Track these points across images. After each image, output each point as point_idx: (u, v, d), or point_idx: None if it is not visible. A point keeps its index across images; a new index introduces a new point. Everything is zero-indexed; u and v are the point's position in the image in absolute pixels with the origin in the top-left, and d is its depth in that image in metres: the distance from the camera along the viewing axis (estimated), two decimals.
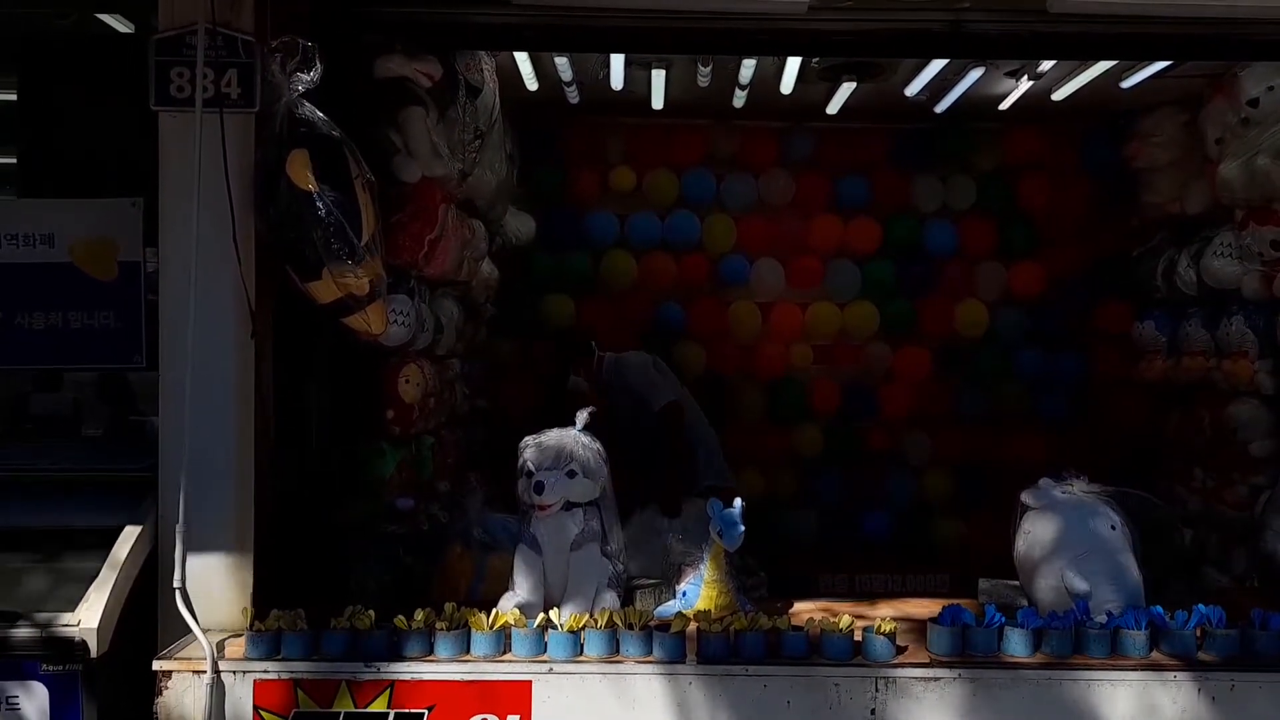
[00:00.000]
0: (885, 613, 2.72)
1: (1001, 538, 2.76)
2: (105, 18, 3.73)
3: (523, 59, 4.17)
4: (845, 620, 2.40)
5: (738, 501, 2.63)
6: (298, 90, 2.56)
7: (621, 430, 3.51)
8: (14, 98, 3.52)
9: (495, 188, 4.17)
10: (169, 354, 2.61)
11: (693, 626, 2.42)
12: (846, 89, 4.50)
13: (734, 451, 4.45)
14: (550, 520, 2.62)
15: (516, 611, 2.46)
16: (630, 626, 2.40)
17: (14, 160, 3.58)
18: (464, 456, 4.13)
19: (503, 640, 2.41)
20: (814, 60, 4.14)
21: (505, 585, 3.08)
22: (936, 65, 4.19)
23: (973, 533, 4.97)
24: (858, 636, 2.40)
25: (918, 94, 4.61)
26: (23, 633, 2.29)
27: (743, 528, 2.58)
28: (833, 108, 4.85)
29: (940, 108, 4.83)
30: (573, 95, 4.76)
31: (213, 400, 2.56)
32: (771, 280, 5.11)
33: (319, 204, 2.50)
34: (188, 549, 2.48)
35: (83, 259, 3.20)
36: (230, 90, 2.62)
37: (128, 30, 3.75)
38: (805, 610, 2.81)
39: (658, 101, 4.82)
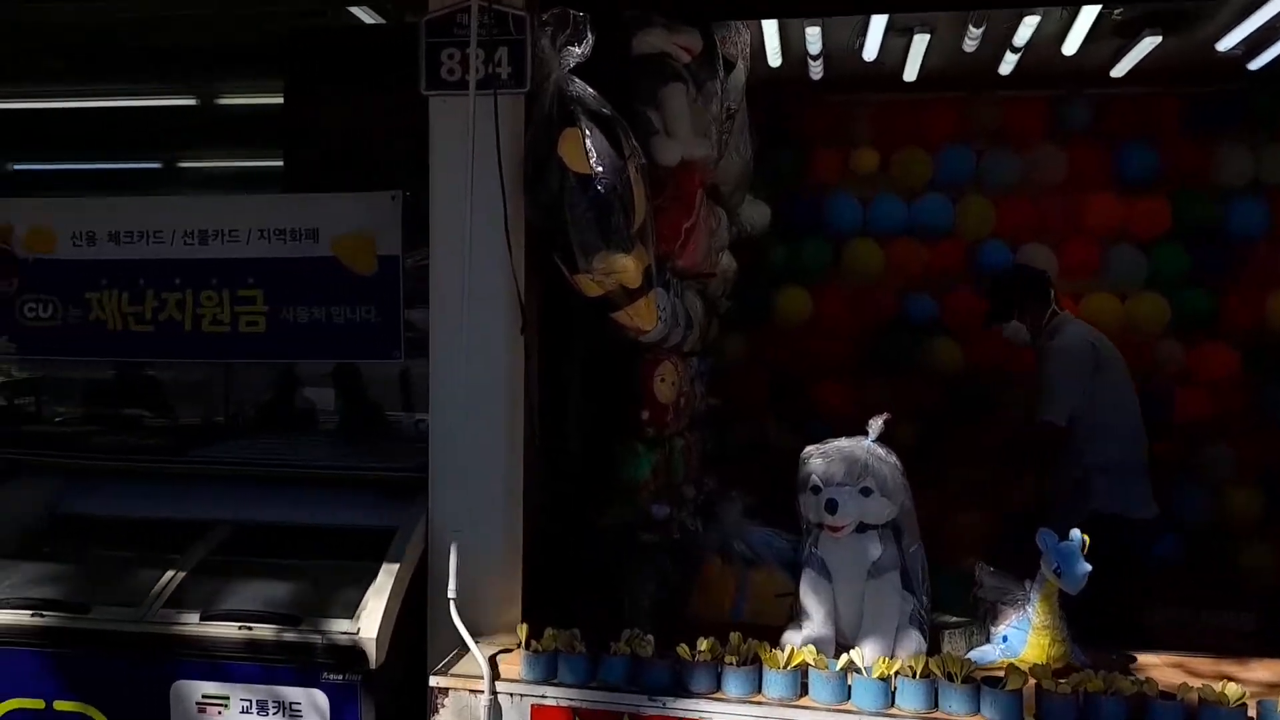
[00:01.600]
0: (1261, 675, 2.20)
1: None
2: (355, 10, 3.76)
3: (771, 31, 3.86)
4: (1234, 690, 1.92)
5: (1075, 533, 2.19)
6: (568, 65, 2.37)
7: None
8: (280, 100, 3.58)
9: (740, 172, 3.89)
10: (441, 350, 2.49)
11: (1031, 683, 2.02)
12: (1146, 45, 3.88)
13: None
14: (843, 543, 2.30)
15: (813, 649, 2.15)
16: (951, 677, 2.03)
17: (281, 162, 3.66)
18: (704, 459, 3.89)
19: (799, 681, 2.11)
20: (1114, 12, 3.57)
21: (769, 605, 2.79)
22: (1267, 12, 3.51)
23: None
24: (1252, 712, 1.92)
25: (1232, 49, 3.91)
26: (304, 638, 2.23)
27: (1087, 567, 2.14)
28: (1120, 69, 4.22)
29: (1256, 65, 4.09)
30: (816, 70, 4.41)
31: (484, 399, 2.42)
32: (1040, 267, 4.53)
33: (592, 187, 2.29)
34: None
35: (345, 253, 3.19)
36: (500, 70, 2.46)
37: (375, 23, 3.76)
38: (1148, 665, 2.34)
39: (911, 72, 4.37)
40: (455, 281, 2.45)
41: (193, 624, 2.28)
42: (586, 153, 2.27)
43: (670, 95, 2.95)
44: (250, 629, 2.24)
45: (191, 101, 4.44)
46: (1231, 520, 4.38)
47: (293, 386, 3.70)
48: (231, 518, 2.67)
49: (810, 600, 2.31)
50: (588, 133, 2.30)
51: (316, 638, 2.21)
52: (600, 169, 2.27)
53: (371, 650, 2.19)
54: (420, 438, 3.03)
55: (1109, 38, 3.87)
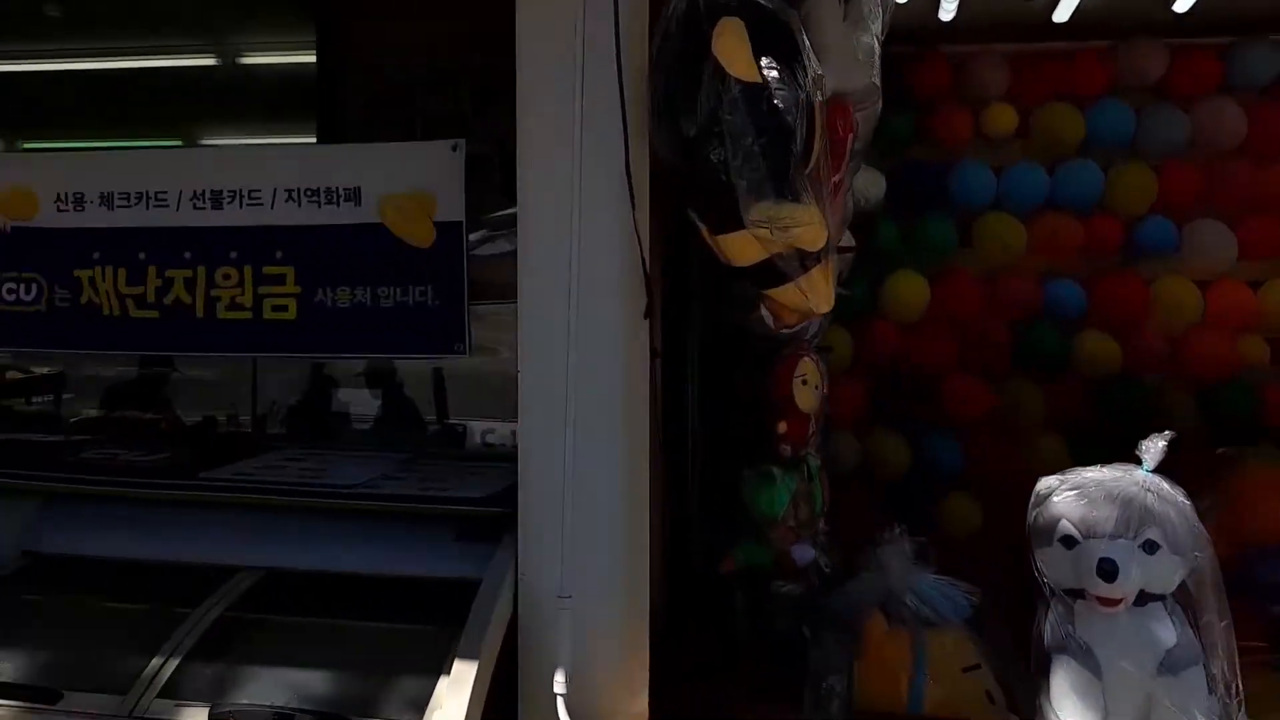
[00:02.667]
0: None
1: None
2: None
3: None
4: None
5: None
6: None
7: None
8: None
9: (868, 129, 3.19)
10: (533, 343, 1.82)
11: None
12: None
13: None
14: (1118, 622, 1.61)
15: None
16: None
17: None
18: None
19: None
20: None
21: (958, 684, 2.11)
22: None
23: None
24: None
25: None
26: None
27: None
28: None
29: None
30: (948, 10, 3.69)
31: (597, 408, 1.75)
32: (1212, 248, 3.76)
33: (764, 101, 1.60)
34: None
35: (395, 219, 2.53)
36: None
37: None
38: None
39: (1064, 11, 3.65)
40: (552, 251, 1.78)
41: None
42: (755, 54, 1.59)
43: (822, 6, 2.27)
44: None
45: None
46: None
47: (329, 387, 3.04)
48: (254, 562, 2.02)
49: (1070, 706, 1.62)
50: (752, 29, 1.62)
51: None
52: (776, 74, 1.58)
53: None
54: (496, 456, 2.38)
55: None
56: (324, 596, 1.94)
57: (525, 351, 1.83)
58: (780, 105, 1.56)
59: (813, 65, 1.66)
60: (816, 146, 1.68)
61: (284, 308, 2.56)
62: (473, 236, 2.51)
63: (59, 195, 2.65)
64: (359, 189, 2.54)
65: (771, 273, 1.77)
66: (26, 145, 2.95)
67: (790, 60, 1.62)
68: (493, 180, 2.57)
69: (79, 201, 2.64)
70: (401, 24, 2.69)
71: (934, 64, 4.06)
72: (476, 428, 2.67)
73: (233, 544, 2.06)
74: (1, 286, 2.69)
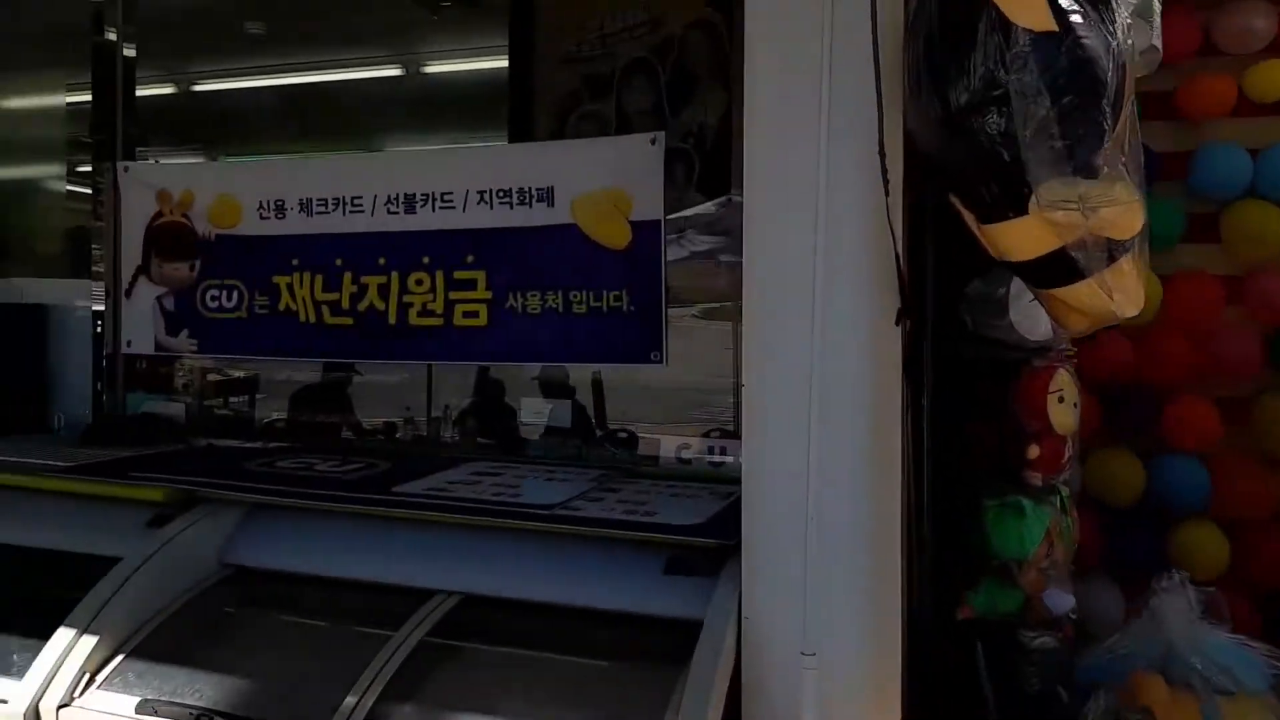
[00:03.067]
0: None
1: None
2: None
3: None
4: None
5: None
6: None
7: None
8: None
9: None
10: (760, 352, 1.59)
11: None
12: None
13: None
14: None
15: None
16: None
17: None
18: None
19: None
20: None
21: None
22: None
23: None
24: None
25: None
26: None
27: None
28: None
29: None
30: None
31: (841, 427, 1.50)
32: None
33: (1058, 58, 1.30)
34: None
35: (588, 219, 2.37)
36: None
37: None
38: None
39: None
40: (787, 247, 1.54)
41: None
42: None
43: None
44: None
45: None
46: None
47: (514, 396, 2.94)
48: (450, 585, 1.88)
49: None
50: None
51: None
52: (1080, 17, 1.29)
53: None
54: (693, 476, 2.17)
55: None
56: (523, 626, 1.78)
57: (751, 361, 1.60)
58: (1087, 55, 1.27)
59: (1123, 9, 1.35)
60: (1125, 110, 1.37)
61: (475, 314, 2.45)
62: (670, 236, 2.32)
63: (261, 203, 2.66)
64: (551, 189, 2.41)
65: (1061, 268, 1.45)
66: (232, 156, 3.02)
67: (1096, 1, 1.32)
68: (691, 175, 2.37)
69: (280, 209, 2.64)
70: (593, 12, 2.54)
71: (1175, 16, 3.54)
72: (671, 443, 2.47)
73: (427, 563, 1.94)
74: (205, 293, 2.74)
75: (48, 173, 3.24)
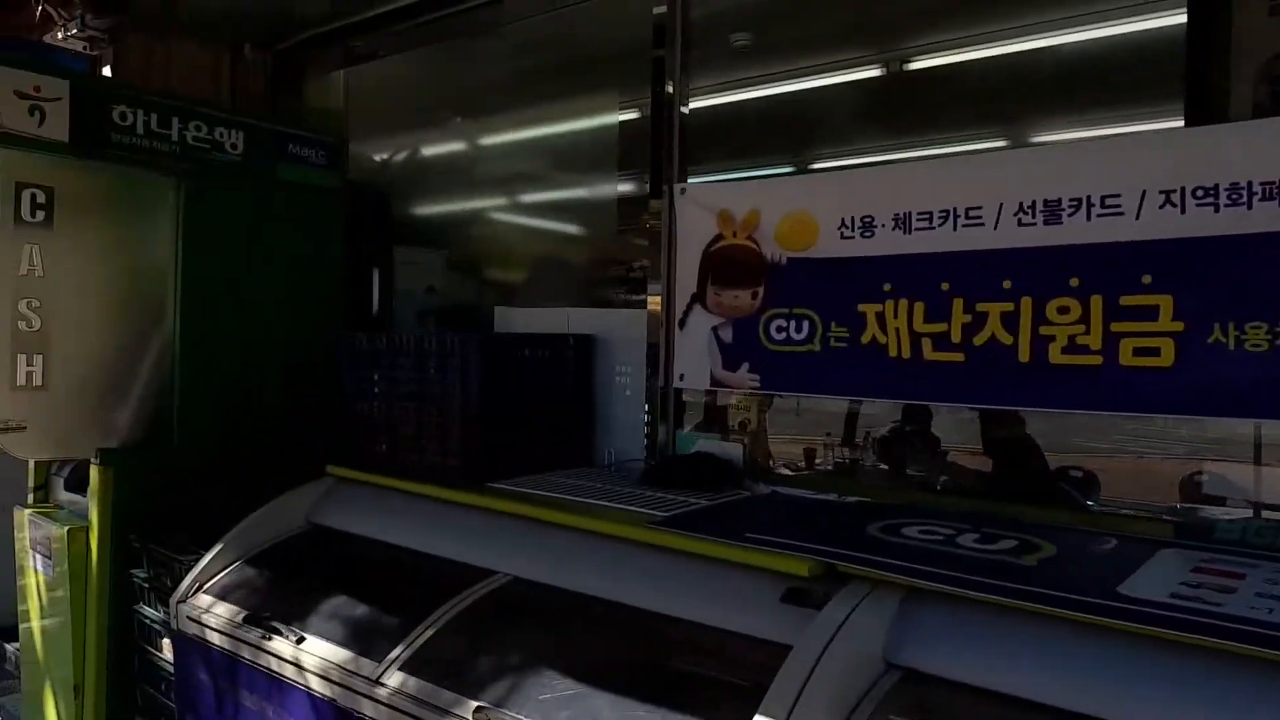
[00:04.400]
0: None
1: None
2: None
3: None
4: None
5: None
6: None
7: None
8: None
9: None
10: None
11: None
12: None
13: None
14: None
15: None
16: None
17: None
18: None
19: None
20: None
21: None
22: None
23: None
24: None
25: None
26: None
27: None
28: None
29: None
30: None
31: None
32: None
33: None
34: None
35: None
36: None
37: None
38: None
39: None
40: None
41: None
42: None
43: None
44: None
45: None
46: None
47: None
48: None
49: None
50: None
51: None
52: None
53: None
54: None
55: None
56: None
57: None
58: None
59: None
60: None
61: (1154, 350, 1.87)
62: None
63: (844, 220, 2.31)
64: (1275, 184, 1.76)
65: None
66: (803, 167, 2.66)
67: None
68: None
69: (868, 226, 2.27)
70: None
71: None
72: None
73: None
74: (770, 323, 2.46)
75: (599, 194, 3.17)
